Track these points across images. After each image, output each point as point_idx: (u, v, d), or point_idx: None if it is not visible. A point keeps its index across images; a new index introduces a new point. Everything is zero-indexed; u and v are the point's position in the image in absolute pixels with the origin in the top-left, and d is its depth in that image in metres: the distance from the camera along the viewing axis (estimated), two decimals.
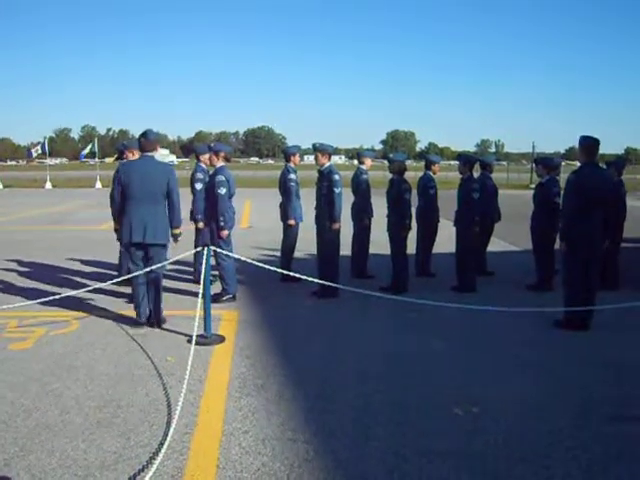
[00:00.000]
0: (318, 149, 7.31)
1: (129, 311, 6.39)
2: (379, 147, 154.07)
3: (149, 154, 6.00)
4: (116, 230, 6.15)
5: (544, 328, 6.02)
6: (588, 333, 5.89)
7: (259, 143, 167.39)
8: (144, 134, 6.08)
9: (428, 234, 8.61)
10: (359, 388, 4.46)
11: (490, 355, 5.27)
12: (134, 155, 6.95)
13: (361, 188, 8.32)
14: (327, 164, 7.29)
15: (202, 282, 5.45)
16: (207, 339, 5.48)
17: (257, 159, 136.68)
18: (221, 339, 5.59)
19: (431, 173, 8.64)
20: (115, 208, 6.17)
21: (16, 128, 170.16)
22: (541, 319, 6.14)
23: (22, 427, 3.77)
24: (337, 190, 7.08)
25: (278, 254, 8.72)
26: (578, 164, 6.24)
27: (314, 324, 6.25)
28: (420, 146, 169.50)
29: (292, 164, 8.27)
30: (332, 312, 6.68)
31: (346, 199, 7.36)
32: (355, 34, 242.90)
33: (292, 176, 8.16)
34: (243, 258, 6.29)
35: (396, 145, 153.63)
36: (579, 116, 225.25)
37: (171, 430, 3.63)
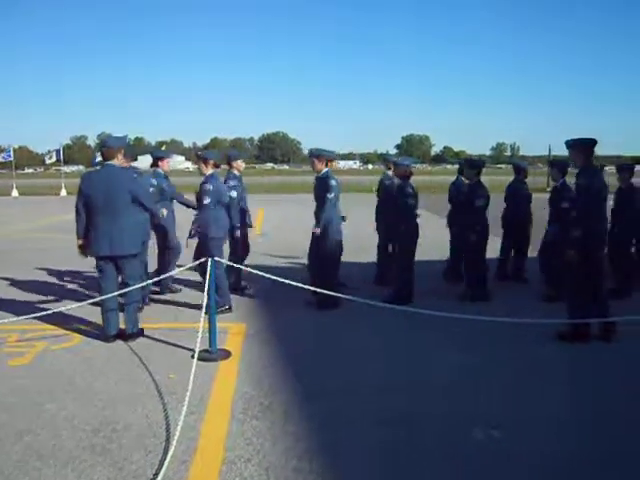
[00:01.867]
0: (314, 155, 7.09)
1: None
2: (394, 151, 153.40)
3: (110, 162, 5.73)
4: (79, 247, 5.90)
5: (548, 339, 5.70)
6: None
7: (274, 149, 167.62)
8: (103, 141, 5.89)
9: (521, 239, 8.43)
10: (370, 406, 4.19)
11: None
12: (164, 165, 6.99)
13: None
14: (324, 170, 7.05)
15: (206, 294, 5.21)
16: (212, 354, 5.23)
17: (272, 165, 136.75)
18: (227, 354, 5.33)
19: (522, 178, 8.61)
20: (80, 222, 5.82)
21: (34, 136, 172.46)
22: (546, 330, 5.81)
23: (11, 452, 3.54)
24: (330, 195, 6.84)
25: (290, 262, 8.47)
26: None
27: (327, 338, 5.97)
28: (435, 150, 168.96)
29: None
30: (338, 323, 6.39)
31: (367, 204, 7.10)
32: (368, 36, 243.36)
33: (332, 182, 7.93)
34: (249, 269, 6.05)
35: (411, 149, 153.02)
36: (596, 118, 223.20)
37: (168, 458, 3.39)
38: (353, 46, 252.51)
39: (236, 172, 7.85)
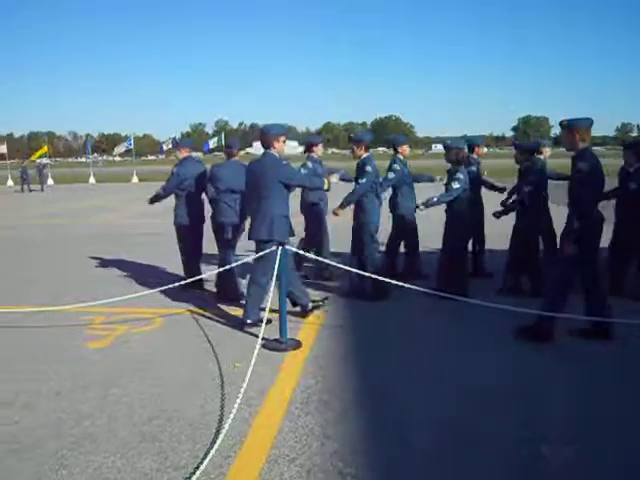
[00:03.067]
0: (354, 141, 6.76)
1: (215, 310, 6.27)
2: (510, 134, 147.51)
3: (269, 150, 5.53)
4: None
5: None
6: None
7: (386, 133, 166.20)
8: (261, 129, 5.72)
9: None
10: (434, 413, 3.87)
11: None
12: (317, 151, 7.61)
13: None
14: (364, 155, 6.71)
15: (274, 282, 5.12)
16: (281, 344, 5.12)
17: (383, 149, 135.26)
18: (297, 344, 5.20)
19: None
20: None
21: (158, 125, 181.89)
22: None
23: (68, 436, 3.62)
24: (362, 180, 6.55)
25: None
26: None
27: (405, 335, 5.60)
28: (554, 132, 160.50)
29: (476, 155, 7.73)
30: (419, 318, 6.05)
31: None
32: (481, 19, 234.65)
33: (472, 169, 7.41)
34: (334, 263, 5.85)
35: (528, 131, 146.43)
36: None
37: (212, 452, 3.30)
38: (463, 29, 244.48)
39: (401, 157, 7.60)
